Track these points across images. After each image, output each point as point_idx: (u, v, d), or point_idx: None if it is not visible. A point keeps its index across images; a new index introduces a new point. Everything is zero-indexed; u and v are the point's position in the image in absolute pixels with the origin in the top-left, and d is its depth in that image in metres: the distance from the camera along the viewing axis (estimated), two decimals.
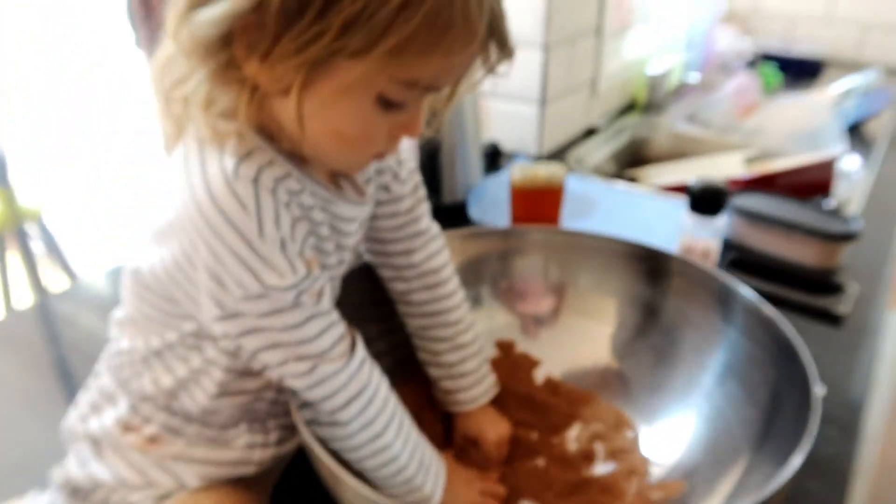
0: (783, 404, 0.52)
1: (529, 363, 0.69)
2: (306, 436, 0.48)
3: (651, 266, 0.69)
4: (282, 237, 0.44)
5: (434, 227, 0.64)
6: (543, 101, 1.28)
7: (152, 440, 0.53)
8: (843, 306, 0.85)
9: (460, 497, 0.56)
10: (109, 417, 0.54)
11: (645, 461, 0.60)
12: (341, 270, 0.57)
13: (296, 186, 0.47)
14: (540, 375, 0.69)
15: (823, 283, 0.91)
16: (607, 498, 0.57)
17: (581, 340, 0.70)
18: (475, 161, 1.13)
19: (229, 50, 0.42)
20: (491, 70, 0.46)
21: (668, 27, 1.67)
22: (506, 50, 0.46)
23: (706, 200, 0.79)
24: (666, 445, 0.61)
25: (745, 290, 0.61)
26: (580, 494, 0.58)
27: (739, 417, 0.56)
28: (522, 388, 0.66)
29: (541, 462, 0.62)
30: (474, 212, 1.09)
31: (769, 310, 0.58)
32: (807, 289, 0.90)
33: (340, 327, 0.49)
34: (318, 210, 0.50)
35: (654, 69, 1.57)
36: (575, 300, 0.72)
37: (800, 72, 1.96)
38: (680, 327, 0.66)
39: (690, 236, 0.82)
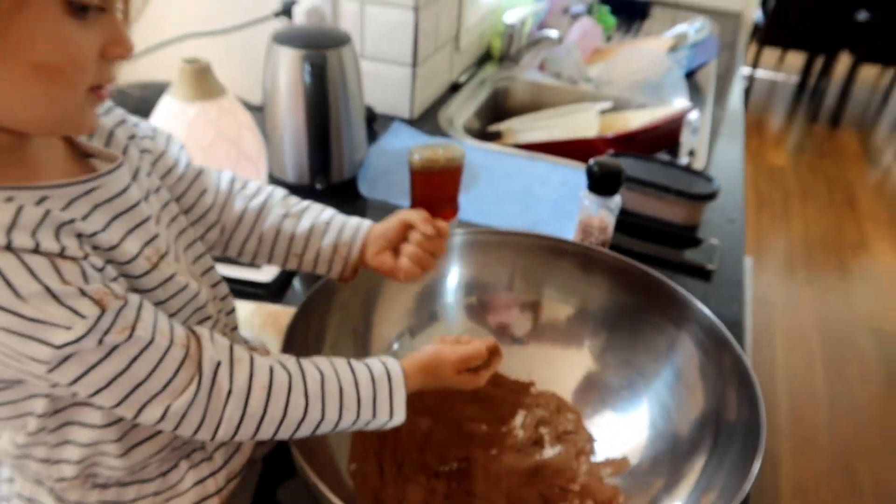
0: (728, 407, 0.60)
1: None
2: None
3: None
4: (44, 287, 0.38)
5: (200, 169, 0.61)
6: (415, 63, 1.26)
7: None
8: (711, 263, 0.96)
9: (445, 381, 0.56)
10: None
11: (590, 438, 0.67)
12: (178, 229, 0.53)
13: (36, 214, 0.39)
14: None
15: (690, 238, 1.03)
16: (562, 480, 0.63)
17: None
18: (361, 135, 1.10)
19: None
20: None
21: None
22: None
23: (604, 182, 0.85)
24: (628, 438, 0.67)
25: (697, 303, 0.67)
26: (538, 480, 0.63)
27: (688, 416, 0.63)
28: None
29: (494, 452, 0.66)
30: (364, 189, 1.08)
31: (715, 320, 0.65)
32: (676, 245, 1.01)
33: (176, 349, 0.44)
34: (83, 218, 0.43)
35: (509, 18, 1.60)
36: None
37: (631, 13, 2.10)
38: (640, 332, 0.71)
39: (589, 214, 0.88)
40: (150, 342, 0.43)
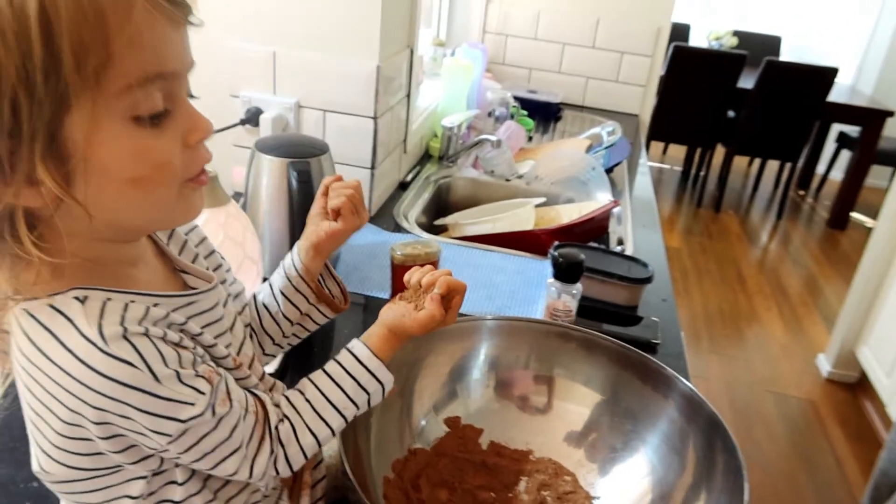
0: (715, 467, 0.70)
1: (475, 432, 0.81)
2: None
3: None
4: (174, 370, 0.45)
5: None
6: (374, 165, 1.38)
7: None
8: (655, 337, 1.10)
9: (416, 335, 0.61)
10: None
11: (588, 496, 0.76)
12: (241, 336, 0.60)
13: (160, 312, 0.47)
14: (483, 440, 0.81)
15: (633, 317, 1.17)
16: None
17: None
18: None
19: None
20: (185, 20, 0.45)
21: (453, 79, 1.88)
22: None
23: (568, 271, 0.98)
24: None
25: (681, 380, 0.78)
26: None
27: (675, 466, 0.74)
28: (475, 457, 0.78)
29: None
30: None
31: (697, 394, 0.76)
32: (622, 323, 1.15)
33: (250, 417, 0.52)
34: (189, 321, 0.50)
35: (448, 121, 1.76)
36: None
37: (546, 115, 2.33)
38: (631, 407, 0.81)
39: (554, 299, 1.00)
40: (244, 411, 0.51)
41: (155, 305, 0.48)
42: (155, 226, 0.51)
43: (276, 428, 0.55)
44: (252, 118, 1.35)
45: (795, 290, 3.43)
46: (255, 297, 0.72)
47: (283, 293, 0.69)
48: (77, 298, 0.44)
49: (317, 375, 0.59)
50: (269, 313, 0.70)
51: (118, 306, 0.45)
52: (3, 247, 0.43)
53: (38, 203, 0.42)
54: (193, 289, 0.55)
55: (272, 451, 0.54)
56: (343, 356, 0.60)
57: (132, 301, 0.46)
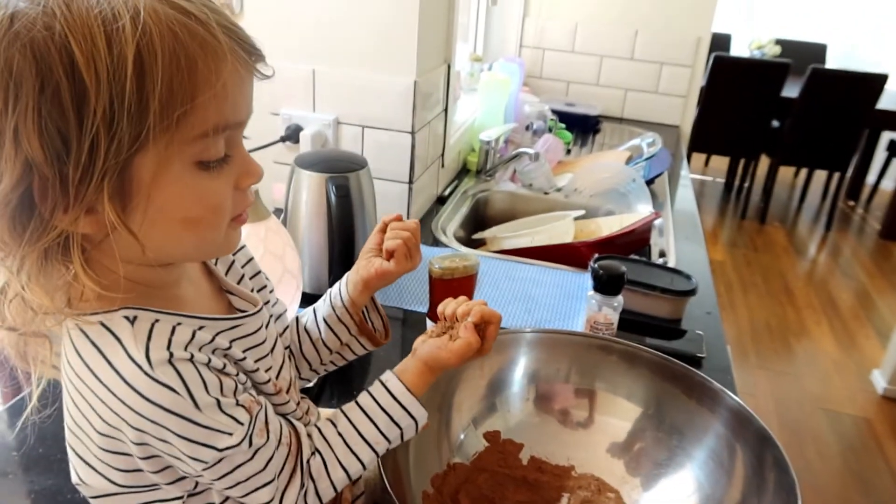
0: (765, 485, 0.67)
1: (516, 448, 0.79)
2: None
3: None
4: (215, 399, 0.45)
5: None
6: (411, 180, 1.39)
7: None
8: (700, 351, 1.07)
9: (451, 367, 0.60)
10: None
11: None
12: (281, 360, 0.61)
13: (205, 337, 0.47)
14: (523, 455, 0.80)
15: (676, 330, 1.14)
16: None
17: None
18: None
19: (40, 219, 0.41)
20: (261, 74, 0.47)
21: (490, 94, 1.88)
22: (254, 49, 0.45)
23: (609, 283, 0.96)
24: None
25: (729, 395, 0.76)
26: None
27: (723, 484, 0.71)
28: (516, 472, 0.77)
29: None
30: (378, 297, 1.16)
31: (746, 408, 0.74)
32: (665, 337, 1.12)
33: (283, 449, 0.51)
34: (234, 343, 0.51)
35: (485, 135, 1.76)
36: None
37: (584, 128, 2.32)
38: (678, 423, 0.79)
39: (595, 312, 0.99)
40: (278, 443, 0.51)
41: (201, 328, 0.48)
42: (196, 259, 0.53)
43: (308, 462, 0.54)
44: (292, 135, 1.37)
45: (847, 304, 3.32)
46: (297, 320, 0.72)
47: (325, 321, 0.69)
48: (126, 318, 0.45)
49: (350, 408, 0.58)
50: (310, 339, 0.70)
51: (166, 328, 0.45)
52: (53, 268, 0.44)
53: (92, 231, 0.43)
54: (239, 311, 0.55)
55: (303, 485, 0.53)
56: (377, 390, 0.59)
57: (179, 323, 0.47)
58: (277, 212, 1.27)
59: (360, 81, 1.31)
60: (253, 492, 0.50)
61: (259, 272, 0.65)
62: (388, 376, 0.59)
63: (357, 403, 0.58)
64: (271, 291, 0.67)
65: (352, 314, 0.69)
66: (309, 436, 0.56)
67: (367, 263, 0.69)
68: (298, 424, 0.56)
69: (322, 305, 0.70)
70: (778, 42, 4.40)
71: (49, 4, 0.38)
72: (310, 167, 1.09)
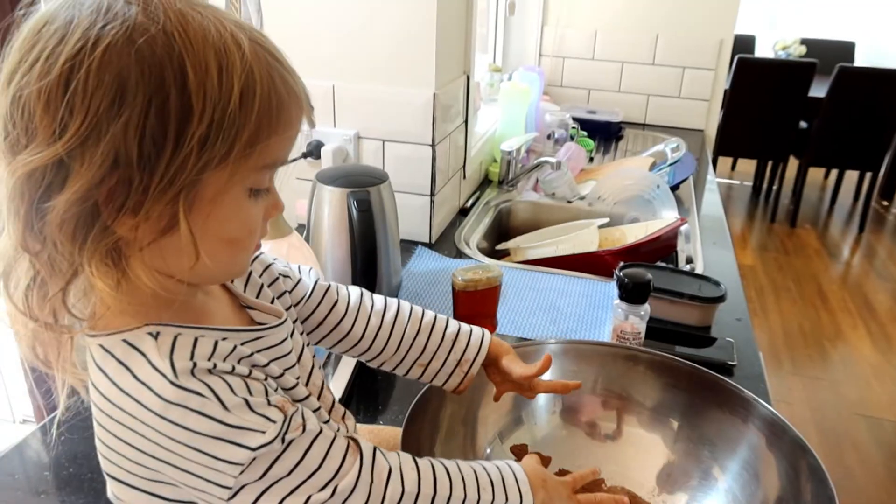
0: (802, 496, 0.66)
1: (543, 461, 0.78)
2: None
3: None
4: (243, 399, 0.46)
5: (328, 285, 0.71)
6: (433, 192, 1.39)
7: None
8: (731, 359, 1.05)
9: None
10: None
11: None
12: (309, 366, 0.60)
13: (227, 346, 0.48)
14: (551, 469, 0.78)
15: (706, 338, 1.12)
16: None
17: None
18: (398, 261, 1.20)
19: (102, 223, 0.42)
20: (311, 123, 0.51)
21: (511, 104, 1.88)
22: (310, 100, 0.51)
23: (635, 291, 0.95)
24: None
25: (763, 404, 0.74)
26: None
27: (760, 501, 0.69)
28: None
29: None
30: None
31: (780, 417, 0.72)
32: (695, 345, 1.10)
33: (341, 439, 0.51)
34: (258, 353, 0.51)
35: (506, 145, 1.76)
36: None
37: (607, 135, 2.30)
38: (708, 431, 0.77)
39: (621, 321, 0.97)
40: (317, 431, 0.49)
41: (223, 339, 0.49)
42: (219, 280, 0.54)
43: (374, 454, 0.53)
44: (314, 151, 1.37)
45: (884, 307, 3.23)
46: (385, 301, 0.72)
47: (443, 334, 0.71)
48: (150, 334, 0.46)
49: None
50: (408, 346, 0.70)
51: (188, 341, 0.46)
52: (79, 278, 0.44)
53: (150, 238, 0.44)
54: (261, 324, 0.55)
55: (358, 478, 0.50)
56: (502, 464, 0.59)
57: (201, 336, 0.47)
58: (300, 228, 1.28)
59: (380, 95, 1.32)
60: (312, 495, 0.48)
61: (277, 279, 0.64)
62: (520, 472, 0.59)
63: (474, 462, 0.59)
64: (297, 281, 0.67)
65: (457, 382, 0.71)
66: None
67: (517, 368, 0.71)
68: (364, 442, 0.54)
69: (453, 324, 0.72)
70: (803, 42, 4.33)
71: (166, 24, 0.41)
72: (331, 182, 1.10)
